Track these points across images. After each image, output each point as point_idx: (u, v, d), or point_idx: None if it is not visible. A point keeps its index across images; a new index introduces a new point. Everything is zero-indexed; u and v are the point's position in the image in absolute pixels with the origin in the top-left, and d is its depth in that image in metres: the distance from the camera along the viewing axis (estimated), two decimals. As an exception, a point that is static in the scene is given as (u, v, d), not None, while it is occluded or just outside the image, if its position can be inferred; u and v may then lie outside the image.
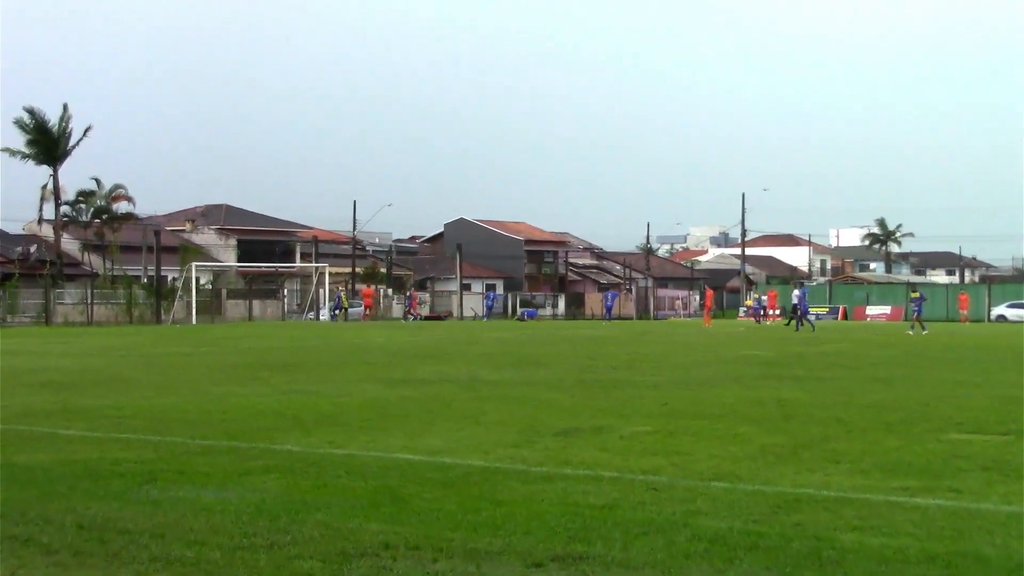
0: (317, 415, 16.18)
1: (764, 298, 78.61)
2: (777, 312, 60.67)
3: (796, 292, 53.79)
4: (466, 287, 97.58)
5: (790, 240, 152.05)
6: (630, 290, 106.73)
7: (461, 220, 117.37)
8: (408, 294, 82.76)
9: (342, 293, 76.43)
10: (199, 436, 13.84)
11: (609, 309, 59.12)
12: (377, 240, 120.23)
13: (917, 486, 10.33)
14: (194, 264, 72.10)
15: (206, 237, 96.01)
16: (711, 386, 20.96)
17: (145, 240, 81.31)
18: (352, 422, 15.29)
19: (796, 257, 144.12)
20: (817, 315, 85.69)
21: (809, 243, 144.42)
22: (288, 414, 16.29)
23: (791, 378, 22.66)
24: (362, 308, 79.63)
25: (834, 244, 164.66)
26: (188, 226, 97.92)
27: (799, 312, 52.30)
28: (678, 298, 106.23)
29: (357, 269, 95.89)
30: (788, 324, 51.45)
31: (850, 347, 35.72)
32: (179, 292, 71.20)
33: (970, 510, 9.21)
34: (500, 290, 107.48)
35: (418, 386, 21.03)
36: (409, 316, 78.66)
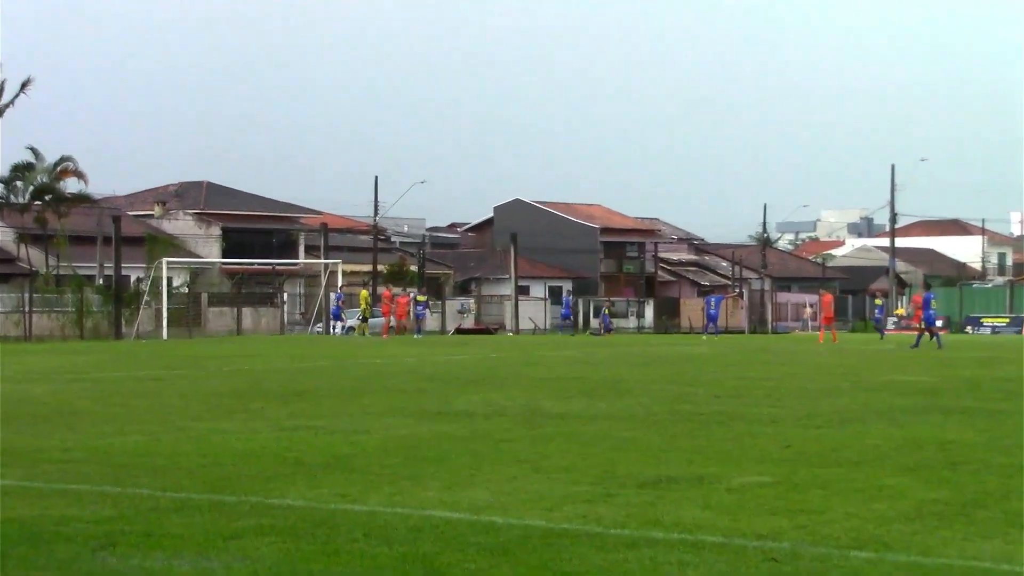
0: (327, 459, 16.23)
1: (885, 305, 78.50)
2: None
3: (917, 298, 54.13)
4: (523, 290, 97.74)
5: (956, 227, 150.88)
6: (741, 294, 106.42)
7: (516, 202, 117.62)
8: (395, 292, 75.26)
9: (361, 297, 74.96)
10: (172, 487, 13.91)
11: (713, 319, 58.10)
12: (406, 228, 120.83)
13: None
14: (165, 260, 72.66)
15: (181, 224, 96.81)
16: (849, 423, 20.80)
17: (100, 229, 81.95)
18: (373, 468, 15.32)
19: (965, 250, 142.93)
20: (994, 327, 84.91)
21: (983, 231, 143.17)
22: (289, 458, 16.34)
23: (958, 411, 22.45)
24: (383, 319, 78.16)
25: (1017, 233, 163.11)
26: (157, 210, 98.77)
27: (922, 324, 52.75)
28: (806, 305, 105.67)
29: (380, 266, 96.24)
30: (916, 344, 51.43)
31: (1037, 370, 35.33)
32: (145, 297, 71.77)
33: None
34: (567, 294, 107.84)
35: (459, 421, 21.04)
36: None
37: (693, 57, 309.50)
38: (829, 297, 57.41)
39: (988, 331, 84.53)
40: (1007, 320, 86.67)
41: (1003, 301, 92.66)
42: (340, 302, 74.96)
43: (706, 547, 10.56)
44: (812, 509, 12.42)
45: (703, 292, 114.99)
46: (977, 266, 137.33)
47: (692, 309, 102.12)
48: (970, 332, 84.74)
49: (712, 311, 53.46)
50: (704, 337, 50.21)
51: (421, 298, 76.40)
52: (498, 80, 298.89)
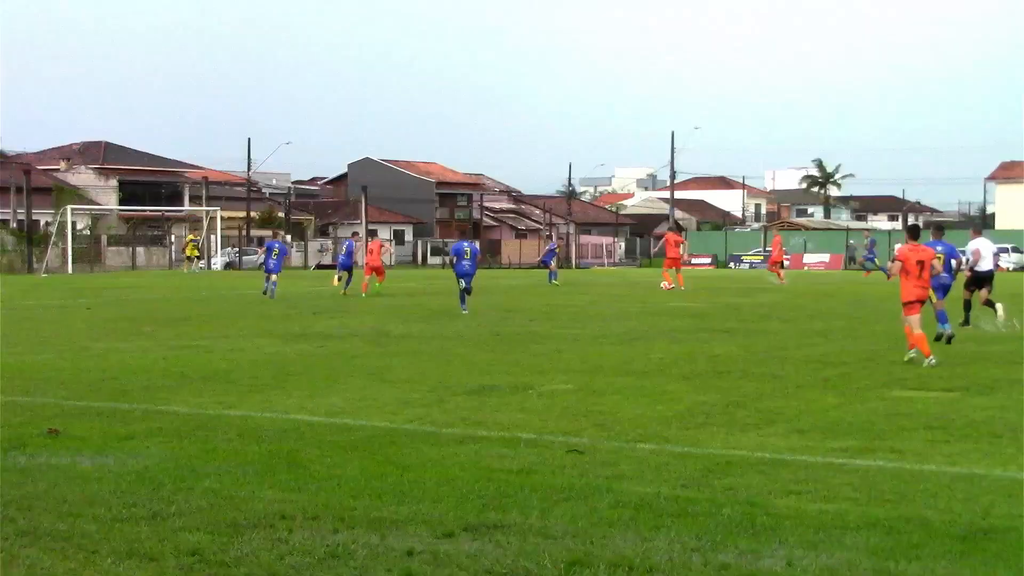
0: (207, 373, 16.00)
1: (854, 243, 79.59)
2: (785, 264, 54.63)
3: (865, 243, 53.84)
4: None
5: (723, 183, 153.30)
6: (550, 236, 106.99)
7: (366, 160, 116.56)
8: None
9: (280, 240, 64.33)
10: (74, 397, 13.61)
11: (547, 263, 51.98)
12: (274, 182, 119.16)
13: (857, 446, 10.46)
14: (70, 207, 70.85)
15: (83, 177, 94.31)
16: (637, 340, 21.06)
17: (14, 180, 79.57)
18: (245, 380, 15.14)
19: (730, 201, 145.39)
20: (751, 264, 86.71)
21: (743, 186, 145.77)
22: (175, 372, 16.08)
23: (723, 331, 22.86)
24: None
25: (770, 187, 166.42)
26: (63, 165, 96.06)
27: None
28: (604, 244, 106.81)
29: (252, 213, 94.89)
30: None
31: (786, 298, 36.11)
32: (53, 238, 70.01)
33: (913, 472, 9.35)
34: (409, 236, 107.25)
35: (318, 341, 20.89)
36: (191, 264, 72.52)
37: (515, 30, 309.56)
38: (778, 238, 54.78)
39: (747, 266, 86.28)
40: (761, 257, 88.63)
41: (759, 242, 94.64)
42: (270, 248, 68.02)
43: (521, 443, 10.62)
44: (607, 411, 12.55)
45: (519, 235, 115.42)
46: (739, 214, 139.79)
47: (510, 248, 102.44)
48: (732, 267, 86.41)
49: (547, 259, 51.30)
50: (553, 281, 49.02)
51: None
52: (353, 52, 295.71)
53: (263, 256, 42.85)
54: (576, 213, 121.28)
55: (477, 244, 34.18)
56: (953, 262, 22.94)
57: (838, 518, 7.79)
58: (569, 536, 7.29)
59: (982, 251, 24.87)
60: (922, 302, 17.61)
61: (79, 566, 6.66)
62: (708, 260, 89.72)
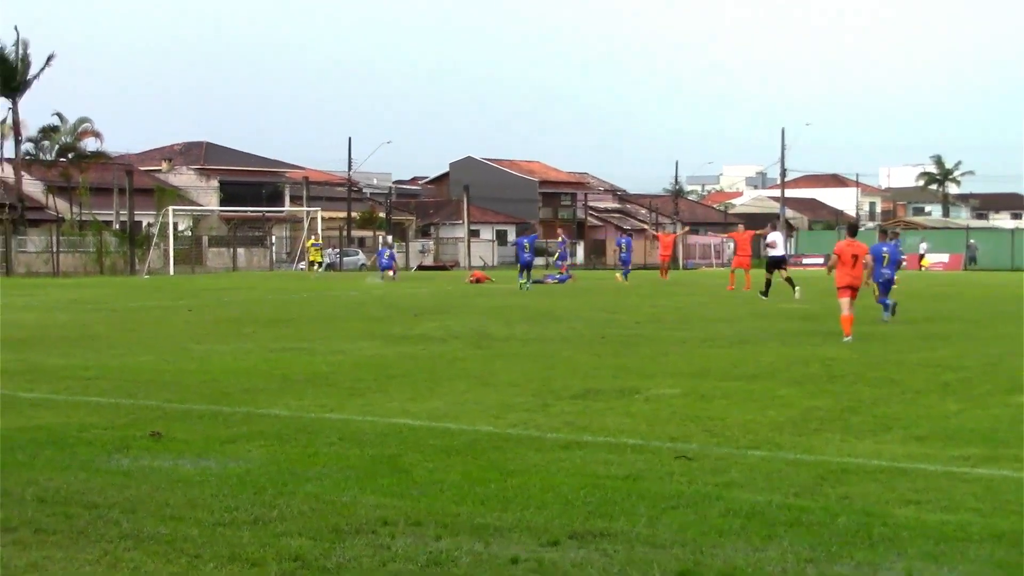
0: (308, 376, 16.16)
1: (975, 243, 78.76)
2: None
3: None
4: (474, 233, 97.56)
5: (835, 180, 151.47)
6: (655, 237, 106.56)
7: (468, 159, 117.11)
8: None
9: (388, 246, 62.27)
10: (176, 399, 13.83)
11: (625, 261, 51.65)
12: (375, 181, 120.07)
13: (979, 455, 10.25)
14: (171, 208, 71.93)
15: (184, 178, 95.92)
16: (747, 343, 20.90)
17: (116, 181, 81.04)
18: (347, 383, 15.27)
19: (842, 199, 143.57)
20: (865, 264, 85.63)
21: (857, 184, 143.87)
22: (276, 375, 16.27)
23: (836, 334, 22.57)
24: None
25: (885, 185, 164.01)
26: (164, 166, 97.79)
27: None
28: (712, 245, 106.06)
29: (353, 213, 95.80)
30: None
31: (903, 300, 35.57)
32: (155, 239, 71.17)
33: (1038, 482, 9.14)
34: (512, 236, 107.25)
35: (420, 343, 21.01)
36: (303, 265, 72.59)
37: (620, 29, 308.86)
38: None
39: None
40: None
41: (872, 241, 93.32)
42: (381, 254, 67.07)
43: (627, 448, 10.57)
44: (716, 416, 12.46)
45: (624, 235, 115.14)
46: (852, 213, 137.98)
47: (615, 249, 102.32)
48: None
49: (624, 254, 51.35)
50: (618, 276, 49.97)
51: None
52: (456, 53, 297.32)
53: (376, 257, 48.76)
54: (683, 212, 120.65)
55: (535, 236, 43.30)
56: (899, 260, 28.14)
57: (960, 530, 7.63)
58: (678, 545, 7.23)
59: None
60: (853, 289, 21.63)
61: (182, 570, 6.76)
62: (821, 260, 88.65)
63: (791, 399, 13.69)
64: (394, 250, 56.41)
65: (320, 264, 66.90)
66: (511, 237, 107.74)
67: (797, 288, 34.93)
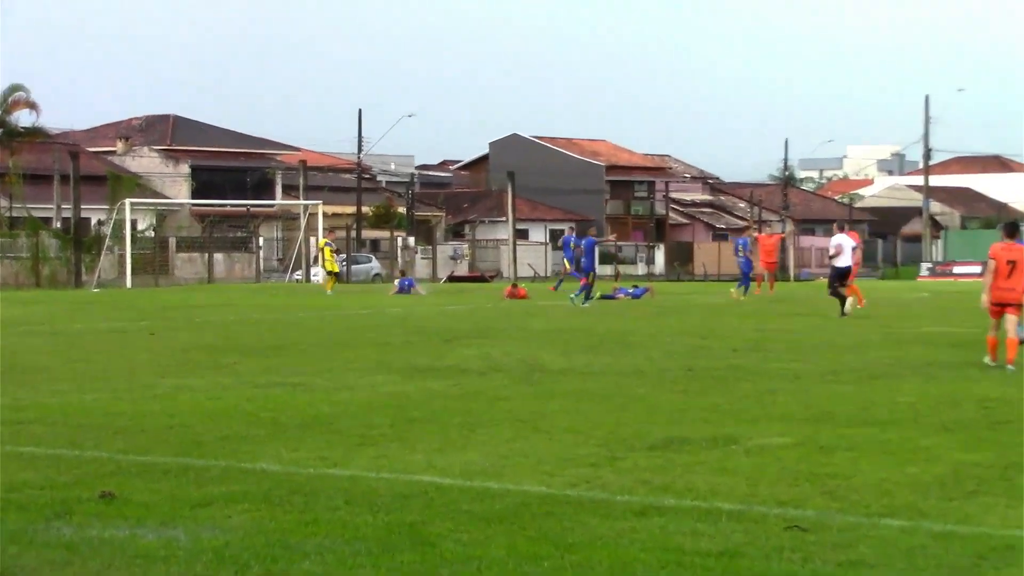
0: (306, 419, 16.19)
1: None
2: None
3: None
4: (521, 234, 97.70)
5: (998, 164, 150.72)
6: (755, 239, 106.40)
7: (514, 138, 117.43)
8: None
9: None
10: (135, 450, 13.88)
11: (746, 270, 50.21)
12: (393, 166, 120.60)
13: None
14: (128, 201, 72.41)
15: (146, 162, 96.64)
16: (879, 378, 20.78)
17: (58, 166, 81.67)
18: (356, 430, 15.29)
19: (1007, 188, 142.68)
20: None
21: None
22: (264, 418, 16.31)
23: (998, 366, 22.40)
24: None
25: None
26: (120, 146, 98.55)
27: None
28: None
29: (365, 208, 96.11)
30: None
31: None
32: (107, 242, 71.61)
33: None
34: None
35: (452, 377, 21.01)
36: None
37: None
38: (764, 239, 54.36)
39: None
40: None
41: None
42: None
43: (722, 515, 10.52)
44: (839, 473, 12.38)
45: (718, 235, 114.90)
46: (1020, 207, 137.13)
47: (707, 254, 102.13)
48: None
49: (743, 259, 49.76)
50: (734, 291, 49.30)
51: None
52: (496, 6, 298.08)
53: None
54: (795, 206, 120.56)
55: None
56: None
57: None
58: (789, 644, 7.20)
59: None
60: (1008, 305, 21.77)
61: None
62: (979, 268, 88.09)
63: (938, 452, 13.60)
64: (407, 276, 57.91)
65: (335, 275, 61.85)
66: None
67: (849, 301, 36.81)
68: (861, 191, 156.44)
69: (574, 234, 52.56)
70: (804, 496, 11.36)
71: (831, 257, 38.54)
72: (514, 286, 51.71)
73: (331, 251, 58.74)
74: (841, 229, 39.59)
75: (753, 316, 37.84)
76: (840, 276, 37.59)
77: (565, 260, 54.57)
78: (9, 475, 12.37)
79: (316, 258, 69.23)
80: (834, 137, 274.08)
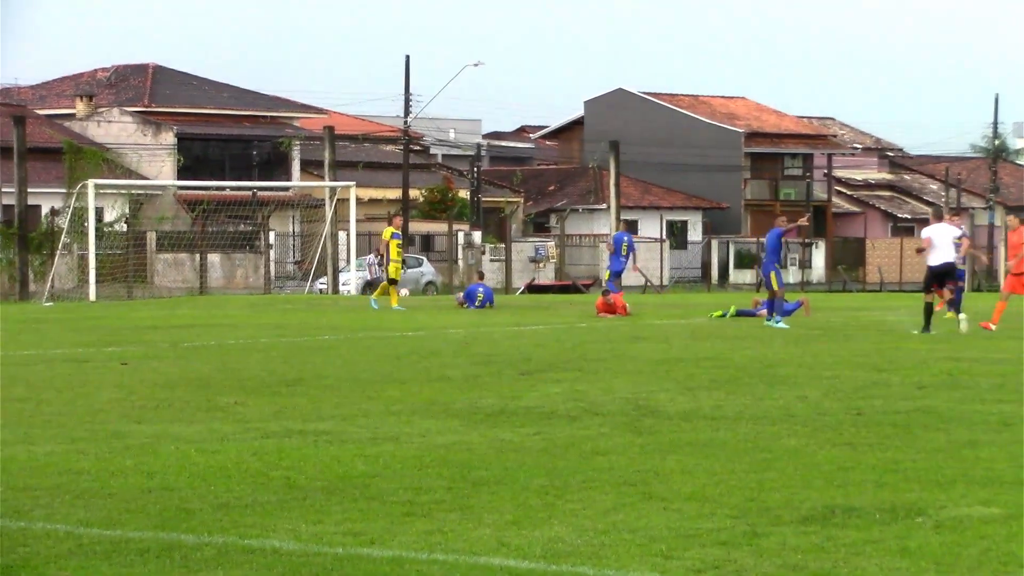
0: (333, 481, 16.29)
1: None
2: None
3: None
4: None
5: None
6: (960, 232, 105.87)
7: (618, 94, 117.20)
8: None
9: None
10: (101, 522, 14.00)
11: (958, 276, 48.43)
12: (453, 135, 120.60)
13: None
14: (93, 183, 72.59)
15: (116, 129, 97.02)
16: (1122, 425, 20.65)
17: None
18: (399, 494, 15.37)
19: None
20: None
21: None
22: (276, 478, 16.42)
23: None
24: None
25: None
26: (81, 107, 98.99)
27: None
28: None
29: (413, 191, 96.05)
30: None
31: None
32: (64, 238, 71.89)
33: None
34: (697, 233, 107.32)
35: (531, 424, 21.05)
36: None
37: None
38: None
39: None
40: None
41: None
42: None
43: (903, 614, 10.53)
44: (1065, 557, 12.36)
45: (899, 227, 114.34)
46: None
47: (884, 254, 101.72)
48: None
49: (950, 262, 47.82)
50: (951, 315, 47.21)
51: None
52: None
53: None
54: (1007, 188, 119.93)
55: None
56: None
57: None
58: None
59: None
60: None
61: None
62: None
63: None
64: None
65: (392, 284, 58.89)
66: (694, 234, 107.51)
67: (961, 318, 39.21)
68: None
69: (628, 233, 53.22)
70: (1016, 588, 11.35)
71: (918, 251, 42.16)
72: (605, 293, 51.21)
73: (399, 246, 56.16)
74: (938, 218, 41.53)
75: (947, 341, 37.68)
76: (934, 277, 39.48)
77: (608, 270, 53.71)
78: (-68, 555, 12.53)
79: (380, 258, 66.64)
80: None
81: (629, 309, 50.21)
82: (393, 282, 55.53)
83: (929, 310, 38.80)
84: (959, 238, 40.14)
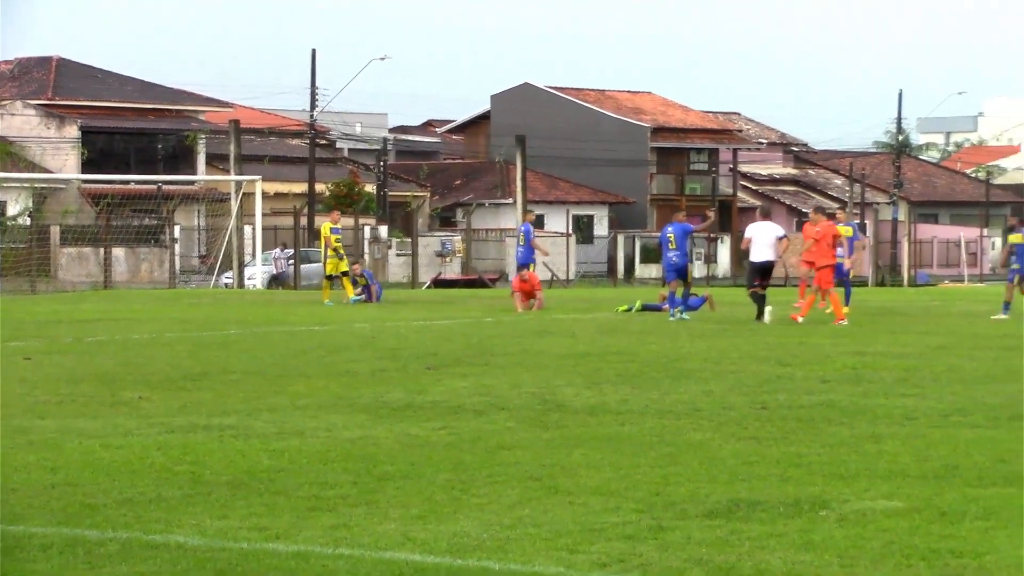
0: (239, 475, 16.27)
1: None
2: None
3: None
4: (535, 222, 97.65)
5: None
6: (862, 226, 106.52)
7: (525, 89, 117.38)
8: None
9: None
10: (5, 517, 13.94)
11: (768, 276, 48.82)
12: (359, 129, 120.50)
13: None
14: (-5, 176, 72.48)
15: (19, 122, 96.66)
16: (1020, 419, 20.79)
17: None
18: (305, 489, 15.36)
19: None
20: None
21: None
22: (181, 473, 16.39)
23: None
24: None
25: None
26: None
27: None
28: (962, 242, 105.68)
29: (320, 185, 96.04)
30: None
31: None
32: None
33: None
34: (603, 227, 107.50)
35: (438, 418, 21.07)
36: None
37: None
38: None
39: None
40: None
41: None
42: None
43: (806, 607, 10.59)
44: (967, 549, 12.45)
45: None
46: None
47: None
48: None
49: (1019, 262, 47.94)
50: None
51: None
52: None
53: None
54: (910, 184, 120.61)
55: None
56: None
57: None
58: None
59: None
60: None
61: None
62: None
63: (1103, 519, 13.65)
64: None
65: (357, 279, 57.90)
66: (600, 229, 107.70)
67: (767, 310, 40.90)
68: (1001, 162, 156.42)
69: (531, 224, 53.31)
70: (918, 581, 11.43)
71: (743, 248, 43.56)
72: (521, 272, 50.90)
73: (339, 240, 55.52)
74: (766, 216, 46.29)
75: (851, 335, 37.87)
76: (755, 272, 42.15)
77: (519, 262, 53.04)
78: None
79: (220, 257, 67.92)
80: (967, 88, 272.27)
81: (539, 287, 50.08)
82: (335, 277, 55.16)
83: (759, 299, 41.29)
84: (780, 238, 42.77)
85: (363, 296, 53.37)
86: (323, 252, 56.30)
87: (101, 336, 38.34)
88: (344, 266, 54.68)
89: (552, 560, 12.13)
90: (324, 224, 56.92)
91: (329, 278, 55.27)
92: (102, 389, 25.00)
